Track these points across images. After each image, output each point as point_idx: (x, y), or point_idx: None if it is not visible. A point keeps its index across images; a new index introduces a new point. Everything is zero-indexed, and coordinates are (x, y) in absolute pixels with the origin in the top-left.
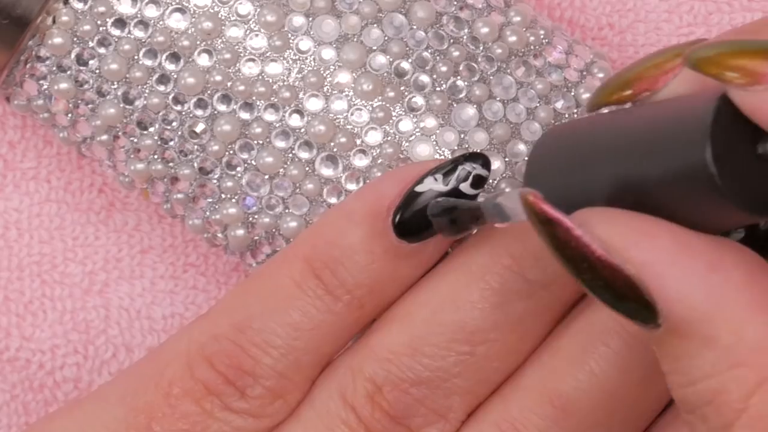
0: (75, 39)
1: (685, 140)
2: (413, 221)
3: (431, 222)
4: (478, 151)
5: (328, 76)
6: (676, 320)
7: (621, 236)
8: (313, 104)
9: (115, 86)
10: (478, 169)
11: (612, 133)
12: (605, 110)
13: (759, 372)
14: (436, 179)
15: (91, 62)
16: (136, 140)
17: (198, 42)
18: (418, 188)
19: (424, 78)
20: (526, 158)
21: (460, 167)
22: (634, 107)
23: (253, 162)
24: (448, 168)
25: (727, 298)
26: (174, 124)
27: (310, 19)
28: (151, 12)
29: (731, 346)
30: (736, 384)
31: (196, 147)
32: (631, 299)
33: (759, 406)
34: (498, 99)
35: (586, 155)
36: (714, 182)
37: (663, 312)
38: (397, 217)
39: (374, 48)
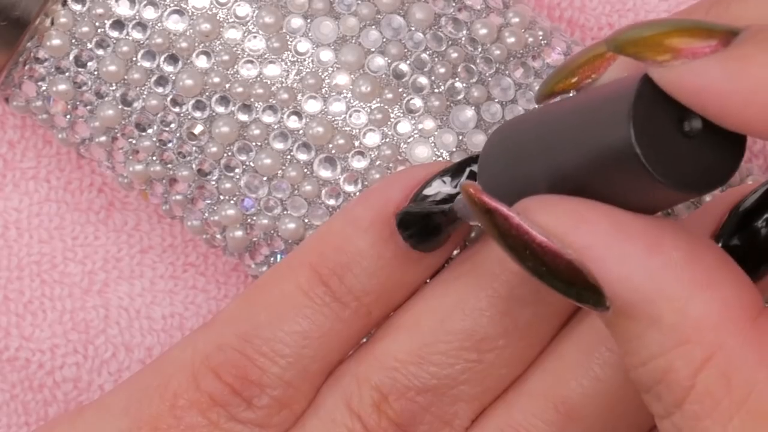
0: (73, 41)
1: (611, 123)
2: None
3: (440, 223)
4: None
5: (327, 77)
6: (621, 302)
7: (559, 222)
8: (312, 106)
9: (114, 88)
10: None
11: (550, 122)
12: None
13: (704, 348)
14: (444, 181)
15: (89, 64)
16: (134, 142)
17: (196, 44)
18: (427, 191)
19: (423, 80)
20: None
21: (468, 169)
22: (572, 96)
23: (251, 163)
24: (455, 169)
25: (668, 278)
26: (172, 125)
27: (309, 20)
28: (149, 14)
29: (675, 324)
30: (682, 362)
31: (194, 148)
32: (577, 284)
33: (706, 382)
34: (496, 100)
35: (529, 146)
36: (639, 162)
37: (608, 295)
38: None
39: (372, 50)
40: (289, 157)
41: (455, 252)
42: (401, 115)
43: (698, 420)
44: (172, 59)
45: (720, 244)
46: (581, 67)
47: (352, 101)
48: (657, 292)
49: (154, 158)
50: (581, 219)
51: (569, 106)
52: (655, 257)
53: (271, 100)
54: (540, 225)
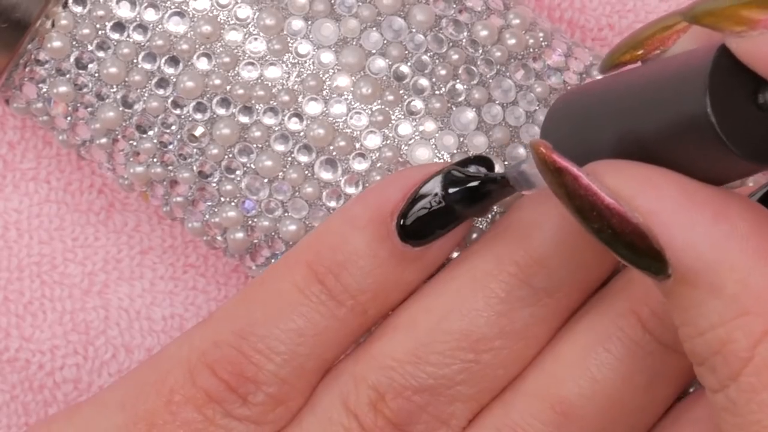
0: (74, 42)
1: (686, 92)
2: (418, 224)
3: (436, 224)
4: (482, 154)
5: (327, 79)
6: (683, 269)
7: (628, 185)
8: (313, 108)
9: (115, 90)
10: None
11: (619, 91)
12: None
13: (765, 320)
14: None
15: (90, 66)
16: (135, 143)
17: (197, 46)
18: (425, 191)
19: (424, 81)
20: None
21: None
22: (641, 65)
23: (252, 165)
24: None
25: (733, 247)
26: (173, 127)
27: (309, 22)
28: (150, 16)
29: (737, 294)
30: (742, 332)
31: (195, 150)
32: (640, 249)
33: (765, 354)
34: (497, 102)
35: (596, 114)
36: (714, 132)
37: (671, 261)
38: (403, 220)
39: (373, 51)
40: (290, 158)
41: (455, 254)
42: (402, 116)
43: (754, 393)
44: (173, 61)
45: None
46: (649, 38)
47: (352, 103)
48: (721, 261)
49: (155, 160)
50: (650, 184)
51: (640, 74)
52: (721, 226)
53: (272, 102)
54: (609, 187)
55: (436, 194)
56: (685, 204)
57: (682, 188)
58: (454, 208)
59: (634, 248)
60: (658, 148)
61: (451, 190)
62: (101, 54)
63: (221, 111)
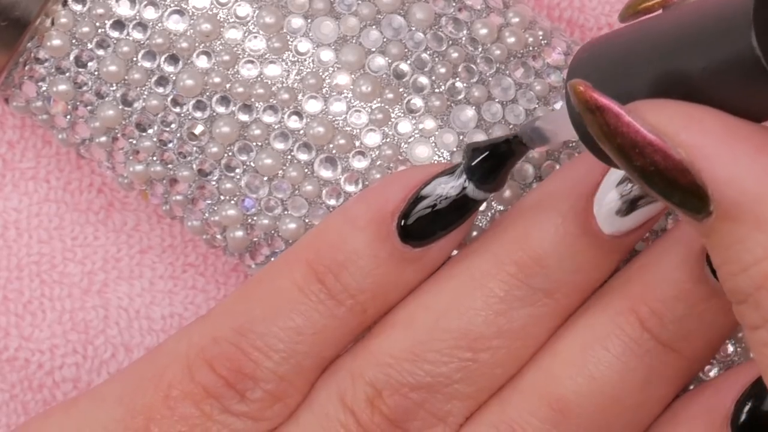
0: (74, 41)
1: (729, 27)
2: (419, 225)
3: (436, 226)
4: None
5: (327, 77)
6: (726, 204)
7: (671, 121)
8: (312, 106)
9: (114, 88)
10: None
11: (653, 35)
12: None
13: None
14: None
15: (89, 64)
16: (135, 142)
17: (197, 44)
18: (425, 191)
19: (423, 79)
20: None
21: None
22: (670, 9)
23: (252, 164)
24: (454, 171)
25: None
26: (173, 125)
27: (309, 20)
28: (149, 14)
29: None
30: None
31: (195, 149)
32: (683, 185)
33: None
34: (497, 100)
35: (628, 59)
36: (760, 65)
37: (714, 196)
38: (404, 221)
39: (373, 49)
40: (289, 157)
41: (454, 252)
42: (402, 114)
43: None
44: (173, 59)
45: None
46: None
47: (352, 101)
48: (765, 195)
49: (155, 158)
50: (692, 119)
51: (673, 17)
52: (764, 159)
53: (271, 100)
54: (651, 124)
55: (439, 195)
56: (728, 139)
57: (725, 123)
58: (473, 190)
59: (677, 185)
60: (699, 88)
61: (473, 162)
62: (101, 52)
63: (221, 109)
